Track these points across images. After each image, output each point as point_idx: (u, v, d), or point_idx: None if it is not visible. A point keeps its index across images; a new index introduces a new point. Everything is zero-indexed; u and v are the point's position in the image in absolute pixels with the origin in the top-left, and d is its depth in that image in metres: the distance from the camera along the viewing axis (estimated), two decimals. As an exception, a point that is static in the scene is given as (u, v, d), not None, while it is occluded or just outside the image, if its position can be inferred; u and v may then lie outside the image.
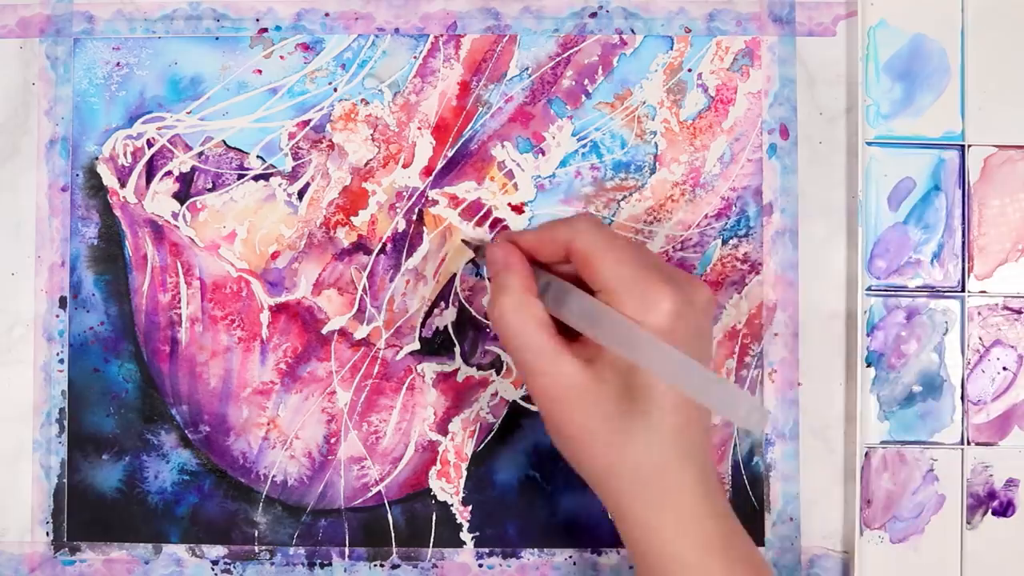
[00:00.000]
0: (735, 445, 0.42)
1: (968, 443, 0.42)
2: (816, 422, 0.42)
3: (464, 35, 0.42)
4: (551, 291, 0.34)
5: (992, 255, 0.42)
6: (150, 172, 0.42)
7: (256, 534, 0.42)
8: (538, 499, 0.42)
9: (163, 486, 0.42)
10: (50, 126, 0.42)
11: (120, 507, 0.42)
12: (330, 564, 0.42)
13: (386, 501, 0.42)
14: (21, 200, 0.42)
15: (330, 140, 0.42)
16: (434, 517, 0.42)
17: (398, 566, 0.42)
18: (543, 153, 0.42)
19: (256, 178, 0.42)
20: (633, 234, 0.42)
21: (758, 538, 0.42)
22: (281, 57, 0.42)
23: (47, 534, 0.42)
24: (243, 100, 0.42)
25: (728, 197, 0.42)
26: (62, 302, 0.42)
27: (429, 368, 0.42)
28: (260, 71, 0.42)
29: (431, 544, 0.42)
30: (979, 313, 0.42)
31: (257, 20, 0.43)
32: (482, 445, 0.42)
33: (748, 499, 0.42)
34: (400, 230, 0.42)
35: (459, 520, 0.42)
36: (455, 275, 0.42)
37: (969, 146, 0.42)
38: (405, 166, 0.42)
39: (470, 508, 0.42)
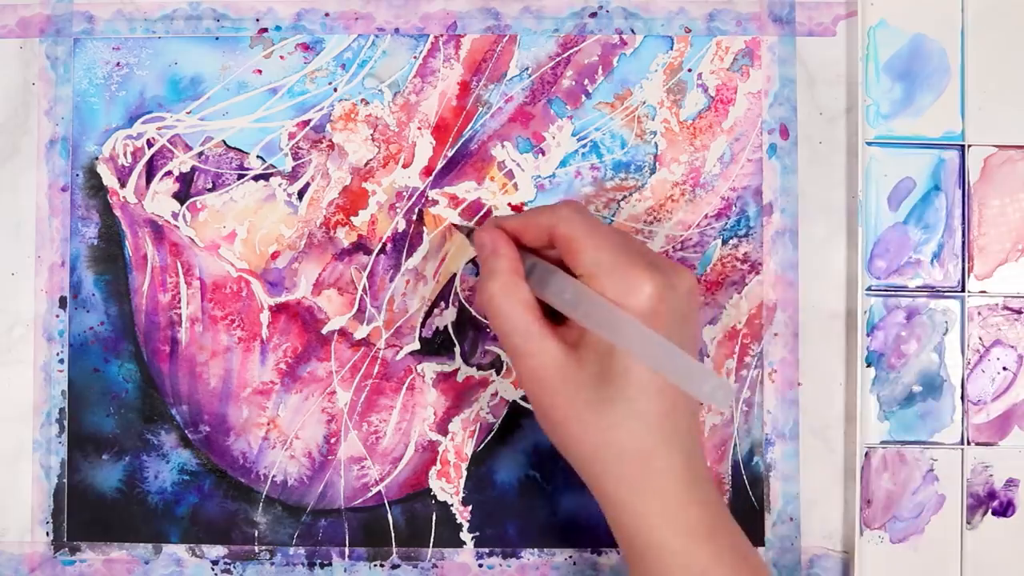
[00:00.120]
0: (735, 445, 0.42)
1: (968, 443, 0.42)
2: (816, 422, 0.42)
3: (464, 35, 0.42)
4: (536, 273, 0.34)
5: (992, 255, 0.42)
6: (150, 172, 0.42)
7: (256, 534, 0.42)
8: (538, 499, 0.42)
9: (163, 486, 0.42)
10: (50, 126, 0.42)
11: (120, 507, 0.42)
12: (330, 564, 0.42)
13: (386, 501, 0.42)
14: (21, 200, 0.42)
15: (330, 140, 0.42)
16: (434, 517, 0.42)
17: (398, 566, 0.42)
18: (543, 153, 0.42)
19: (256, 178, 0.42)
20: (633, 234, 0.42)
21: (758, 538, 0.42)
22: (281, 57, 0.42)
23: (47, 534, 0.42)
24: (243, 100, 0.42)
25: (728, 197, 0.42)
26: (62, 302, 0.42)
27: (429, 368, 0.42)
28: (260, 71, 0.42)
29: (431, 544, 0.42)
30: (979, 313, 0.42)
31: (257, 20, 0.43)
32: (482, 445, 0.42)
33: (748, 499, 0.42)
34: (400, 230, 0.42)
35: (459, 520, 0.42)
36: (455, 275, 0.42)
37: (969, 146, 0.42)
38: (405, 166, 0.42)
39: (470, 508, 0.42)
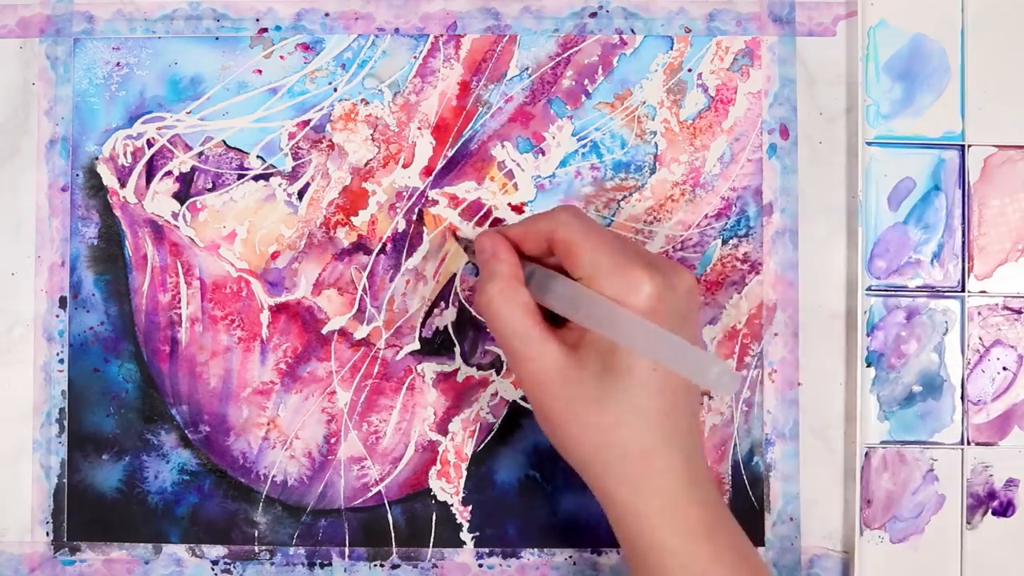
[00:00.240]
0: (735, 445, 0.42)
1: (968, 443, 0.42)
2: (816, 422, 0.42)
3: (464, 35, 0.42)
4: (535, 279, 0.35)
5: (992, 255, 0.42)
6: (150, 172, 0.42)
7: (256, 534, 0.42)
8: (538, 499, 0.42)
9: (163, 486, 0.42)
10: (50, 126, 0.42)
11: (120, 507, 0.42)
12: (330, 564, 0.42)
13: (386, 501, 0.42)
14: (21, 200, 0.42)
15: (330, 140, 0.42)
16: (434, 517, 0.42)
17: (398, 566, 0.42)
18: (543, 153, 0.42)
19: (256, 178, 0.42)
20: (633, 234, 0.42)
21: (758, 538, 0.42)
22: (281, 57, 0.42)
23: (47, 534, 0.42)
24: (243, 100, 0.42)
25: (728, 197, 0.42)
26: (62, 302, 0.42)
27: (429, 368, 0.42)
28: (260, 71, 0.42)
29: (431, 544, 0.42)
30: (979, 313, 0.42)
31: (257, 20, 0.43)
32: (482, 445, 0.42)
33: (748, 499, 0.42)
34: (400, 230, 0.42)
35: (459, 520, 0.42)
36: (455, 275, 0.42)
37: (969, 146, 0.42)
38: (405, 166, 0.42)
39: (470, 508, 0.42)
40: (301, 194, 0.42)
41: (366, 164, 0.42)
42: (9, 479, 0.42)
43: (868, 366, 0.42)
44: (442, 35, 0.42)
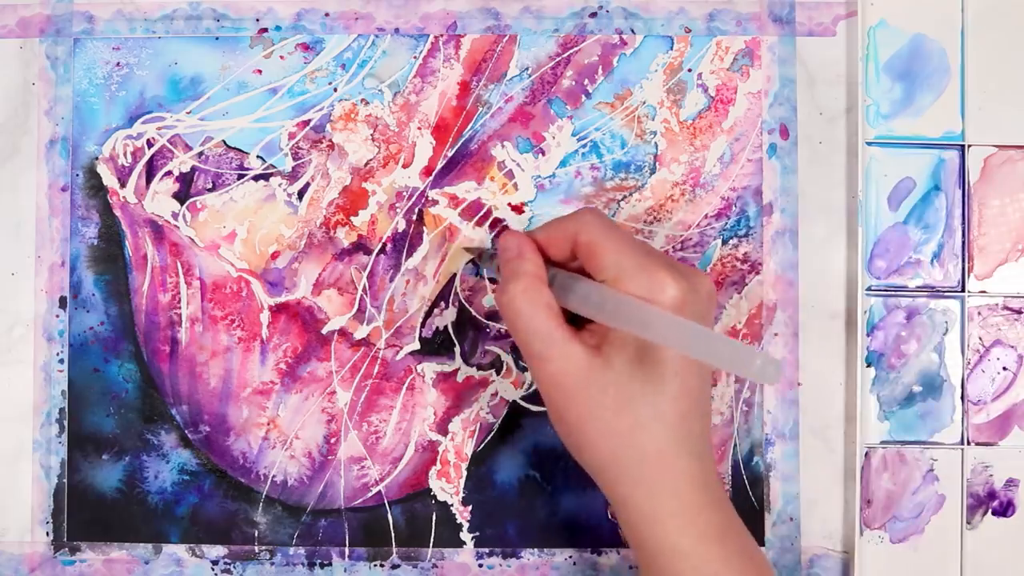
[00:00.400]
0: (735, 445, 0.42)
1: (968, 443, 0.42)
2: (816, 422, 0.42)
3: (464, 35, 0.42)
4: (558, 281, 0.34)
5: (992, 255, 0.42)
6: (150, 172, 0.42)
7: (256, 534, 0.42)
8: (538, 499, 0.42)
9: (163, 486, 0.42)
10: (50, 126, 0.42)
11: (120, 507, 0.42)
12: (330, 564, 0.42)
13: (386, 501, 0.42)
14: (21, 200, 0.42)
15: (330, 140, 0.42)
16: (434, 517, 0.42)
17: (398, 566, 0.42)
18: (543, 153, 0.42)
19: (256, 178, 0.42)
20: (633, 234, 0.42)
21: (758, 538, 0.42)
22: (281, 57, 0.42)
23: (47, 534, 0.42)
24: (243, 100, 0.42)
25: (728, 197, 0.42)
26: (62, 302, 0.42)
27: (429, 368, 0.42)
28: (260, 71, 0.42)
29: (431, 544, 0.42)
30: (979, 313, 0.42)
31: (257, 20, 0.43)
32: (482, 445, 0.42)
33: (748, 499, 0.42)
34: (400, 230, 0.42)
35: (459, 520, 0.42)
36: (455, 275, 0.42)
37: (969, 146, 0.42)
38: (405, 166, 0.42)
39: (470, 508, 0.42)
40: (301, 194, 0.42)
41: (366, 164, 0.42)
42: (9, 479, 0.42)
43: (868, 366, 0.42)
44: (442, 35, 0.42)
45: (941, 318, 0.42)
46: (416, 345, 0.42)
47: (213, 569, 0.42)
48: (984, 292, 0.42)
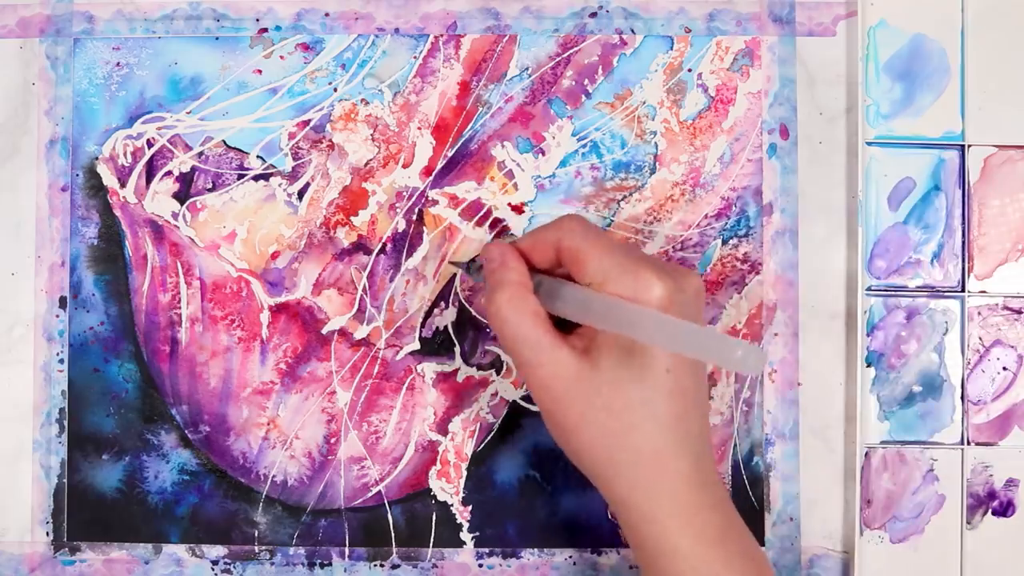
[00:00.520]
0: (735, 445, 0.42)
1: (968, 443, 0.42)
2: (816, 422, 0.42)
3: (464, 35, 0.42)
4: (544, 287, 0.35)
5: (992, 255, 0.42)
6: (150, 172, 0.42)
7: (256, 534, 0.42)
8: (538, 499, 0.42)
9: (163, 486, 0.42)
10: (50, 126, 0.42)
11: (120, 507, 0.42)
12: (330, 564, 0.42)
13: (386, 501, 0.42)
14: (21, 200, 0.42)
15: (330, 140, 0.42)
16: (434, 517, 0.42)
17: (398, 566, 0.42)
18: (543, 153, 0.42)
19: (256, 178, 0.42)
20: (633, 234, 0.42)
21: (758, 538, 0.42)
22: (281, 57, 0.42)
23: (47, 534, 0.42)
24: (243, 100, 0.42)
25: (728, 197, 0.42)
26: (62, 302, 0.42)
27: (429, 368, 0.42)
28: (260, 71, 0.42)
29: (431, 544, 0.42)
30: (979, 313, 0.42)
31: (257, 20, 0.43)
32: (482, 445, 0.42)
33: (748, 499, 0.42)
34: (400, 230, 0.42)
35: (459, 520, 0.42)
36: (455, 275, 0.42)
37: (969, 146, 0.42)
38: (405, 166, 0.42)
39: (470, 508, 0.42)
40: (301, 194, 0.42)
41: (366, 164, 0.42)
42: (9, 479, 0.42)
43: (868, 366, 0.42)
44: (442, 35, 0.42)
45: (941, 318, 0.42)
46: (416, 345, 0.42)
47: (213, 569, 0.42)
48: (984, 292, 0.42)
